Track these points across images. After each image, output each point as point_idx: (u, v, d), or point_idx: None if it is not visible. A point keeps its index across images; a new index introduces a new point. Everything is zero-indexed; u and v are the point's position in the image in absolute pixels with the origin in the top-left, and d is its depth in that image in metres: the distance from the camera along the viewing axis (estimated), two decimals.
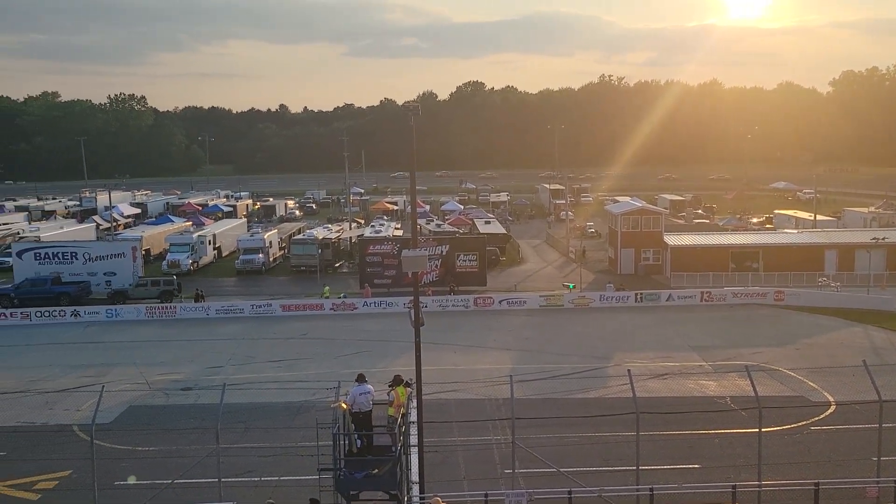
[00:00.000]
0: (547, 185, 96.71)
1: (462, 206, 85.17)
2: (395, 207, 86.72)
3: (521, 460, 16.87)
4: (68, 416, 24.15)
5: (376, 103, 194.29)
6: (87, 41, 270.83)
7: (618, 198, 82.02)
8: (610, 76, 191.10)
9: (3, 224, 63.31)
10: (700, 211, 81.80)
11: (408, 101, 18.81)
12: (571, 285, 44.66)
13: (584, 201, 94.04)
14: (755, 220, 72.79)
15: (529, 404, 22.10)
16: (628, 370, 17.47)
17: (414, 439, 16.42)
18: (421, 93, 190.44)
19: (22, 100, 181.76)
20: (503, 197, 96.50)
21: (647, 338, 34.60)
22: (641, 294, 41.91)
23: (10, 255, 48.95)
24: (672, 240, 50.24)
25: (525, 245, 63.73)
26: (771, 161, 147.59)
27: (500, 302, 41.41)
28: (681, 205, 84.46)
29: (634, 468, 16.15)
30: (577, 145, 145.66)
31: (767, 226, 67.92)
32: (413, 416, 16.93)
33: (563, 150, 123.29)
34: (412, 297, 17.41)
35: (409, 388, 16.85)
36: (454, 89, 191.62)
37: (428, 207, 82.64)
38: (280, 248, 56.75)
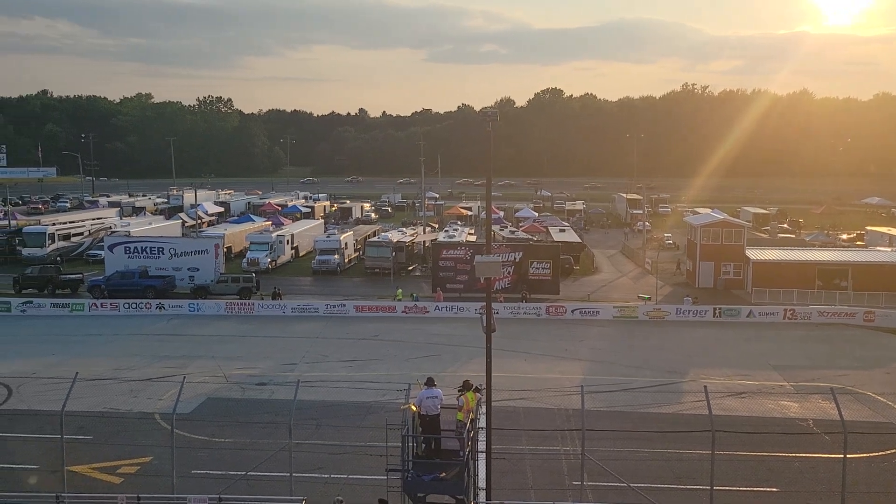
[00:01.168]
0: (624, 195, 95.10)
1: (536, 214, 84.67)
2: (469, 213, 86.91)
3: (589, 473, 16.61)
4: (151, 405, 25.14)
5: (453, 109, 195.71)
6: (181, 45, 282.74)
7: (698, 209, 79.94)
8: (693, 85, 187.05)
9: (97, 219, 66.49)
10: (785, 225, 78.87)
11: (485, 107, 18.81)
12: (647, 297, 43.75)
13: (662, 212, 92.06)
14: (845, 236, 69.65)
15: (600, 416, 21.73)
16: (704, 386, 16.94)
17: (482, 445, 16.39)
18: (499, 99, 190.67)
19: (118, 101, 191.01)
20: (579, 205, 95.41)
21: (724, 354, 33.55)
22: (720, 309, 40.67)
23: (102, 248, 51.34)
24: (754, 254, 48.58)
25: (600, 255, 62.81)
26: (864, 175, 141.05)
27: (572, 311, 40.93)
28: (765, 218, 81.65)
29: (708, 488, 15.66)
30: (656, 155, 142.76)
31: (858, 243, 64.87)
32: (482, 422, 16.90)
33: (642, 159, 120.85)
34: (484, 303, 17.40)
35: (478, 394, 16.85)
36: (532, 96, 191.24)
37: (502, 214, 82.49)
38: (355, 250, 57.70)
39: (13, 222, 64.04)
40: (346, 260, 55.43)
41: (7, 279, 46.85)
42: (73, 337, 35.97)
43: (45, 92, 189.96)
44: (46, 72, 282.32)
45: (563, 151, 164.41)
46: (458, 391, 16.36)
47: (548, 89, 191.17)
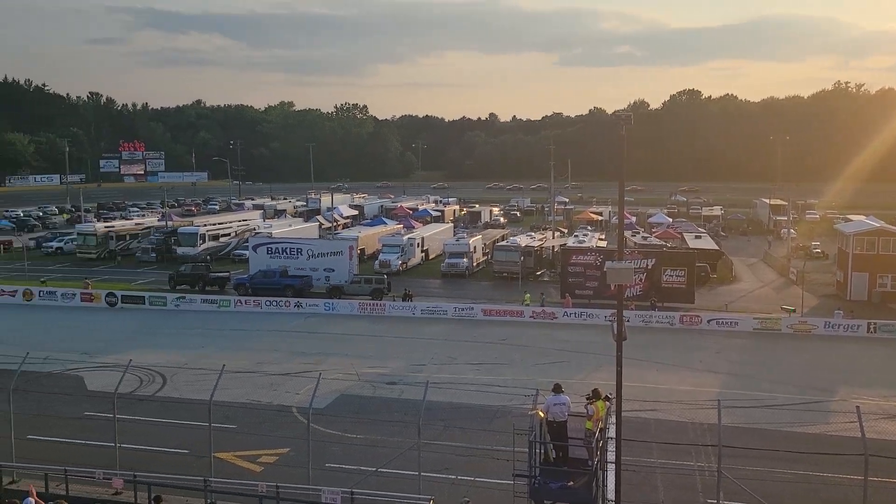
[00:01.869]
0: (766, 200, 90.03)
1: (671, 219, 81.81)
2: (600, 218, 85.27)
3: (726, 492, 15.84)
4: (289, 398, 26.39)
5: (585, 112, 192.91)
6: (321, 55, 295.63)
7: (850, 216, 74.36)
8: (847, 83, 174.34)
9: (243, 220, 70.67)
10: None
11: (618, 110, 18.39)
12: (792, 309, 41.19)
13: (809, 218, 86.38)
14: None
15: (737, 433, 20.68)
16: (857, 406, 15.72)
17: (611, 455, 16.00)
18: (632, 101, 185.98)
19: (263, 109, 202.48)
20: (716, 211, 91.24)
21: (880, 373, 30.99)
22: (875, 324, 37.63)
23: (247, 248, 54.49)
24: None
25: (739, 263, 59.77)
26: None
27: (708, 321, 39.20)
28: None
29: None
30: (803, 157, 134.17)
31: None
32: (611, 432, 16.51)
33: (788, 162, 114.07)
34: (615, 310, 17.00)
35: (608, 403, 16.47)
36: (667, 98, 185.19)
37: (634, 219, 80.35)
38: (483, 254, 58.04)
39: (170, 223, 69.24)
40: (475, 263, 55.86)
41: (164, 276, 50.71)
42: (220, 331, 38.39)
43: (199, 102, 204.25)
44: (200, 83, 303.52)
45: (699, 155, 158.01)
46: (587, 399, 16.08)
47: (684, 90, 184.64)
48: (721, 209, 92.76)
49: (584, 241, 55.72)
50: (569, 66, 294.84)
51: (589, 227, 73.13)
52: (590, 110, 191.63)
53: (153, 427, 23.30)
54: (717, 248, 58.91)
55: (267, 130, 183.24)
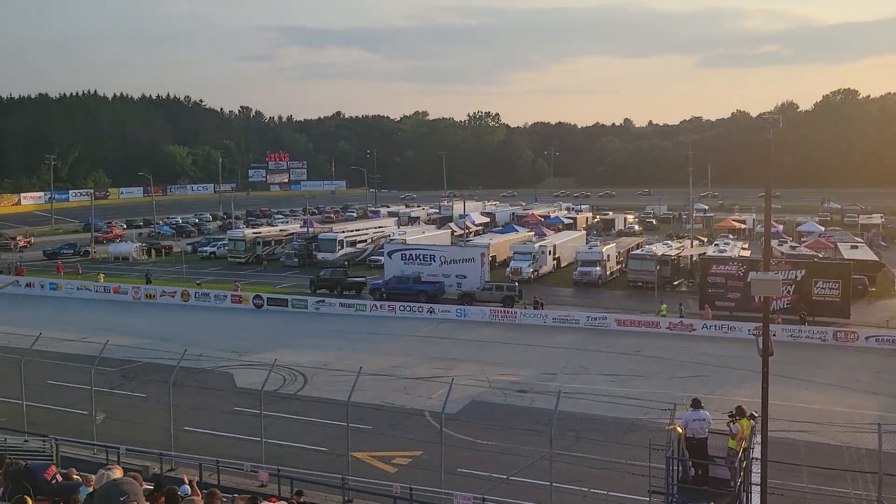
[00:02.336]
0: None
1: (822, 228, 76.51)
2: (743, 226, 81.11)
3: None
4: (421, 402, 26.87)
5: (727, 115, 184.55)
6: (455, 65, 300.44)
7: None
8: None
9: (378, 227, 72.90)
10: None
11: (764, 113, 17.43)
12: None
13: None
14: None
15: None
16: None
17: (756, 477, 15.13)
18: (779, 103, 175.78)
19: (399, 118, 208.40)
20: (876, 219, 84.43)
21: None
22: None
23: (382, 254, 56.14)
24: None
25: None
26: None
27: (866, 338, 36.30)
28: None
29: None
30: None
31: None
32: (756, 453, 15.61)
33: None
34: (760, 324, 16.09)
35: (753, 422, 15.61)
36: (819, 98, 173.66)
37: (781, 227, 75.82)
38: (617, 262, 56.69)
39: (311, 229, 72.52)
40: (608, 272, 54.67)
41: (305, 279, 53.18)
42: (356, 334, 39.73)
43: (338, 113, 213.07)
44: (340, 95, 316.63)
45: (855, 158, 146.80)
46: (730, 417, 15.30)
47: (839, 90, 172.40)
48: (882, 217, 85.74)
49: (726, 251, 53.14)
50: (710, 67, 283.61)
51: (730, 236, 69.75)
52: (732, 113, 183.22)
53: (295, 424, 24.46)
54: (876, 259, 54.46)
55: (402, 139, 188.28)
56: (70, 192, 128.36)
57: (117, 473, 6.46)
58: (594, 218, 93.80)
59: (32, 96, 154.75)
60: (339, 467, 18.95)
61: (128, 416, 24.46)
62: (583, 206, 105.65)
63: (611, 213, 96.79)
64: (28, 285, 52.71)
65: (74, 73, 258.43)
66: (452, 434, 21.75)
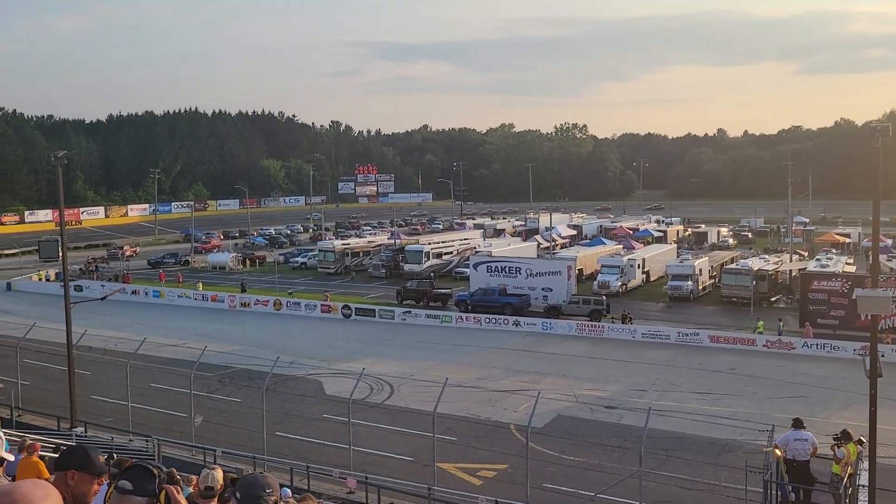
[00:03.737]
0: None
1: None
2: (847, 240, 77.09)
3: None
4: (507, 415, 26.74)
5: (829, 124, 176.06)
6: (541, 76, 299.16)
7: None
8: None
9: (464, 239, 73.20)
10: None
11: (871, 121, 16.56)
12: None
13: None
14: None
15: None
16: None
17: None
18: (888, 111, 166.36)
19: (484, 131, 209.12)
20: None
21: None
22: None
23: (468, 266, 56.31)
24: None
25: None
26: None
27: None
28: None
29: None
30: None
31: None
32: (863, 479, 14.77)
33: None
34: (867, 343, 15.24)
35: (860, 447, 14.78)
36: None
37: (891, 242, 71.65)
38: (710, 277, 54.91)
39: (398, 241, 73.53)
40: (700, 287, 52.99)
41: (392, 290, 53.95)
42: (442, 345, 39.95)
43: (425, 126, 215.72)
44: (427, 108, 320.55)
45: None
46: (835, 440, 14.52)
47: None
48: None
49: (828, 266, 50.63)
50: (810, 73, 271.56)
51: (833, 251, 66.41)
52: (835, 122, 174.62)
53: (382, 433, 24.78)
54: None
55: (487, 152, 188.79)
56: (172, 204, 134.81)
57: (218, 474, 6.72)
58: (685, 231, 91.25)
59: (140, 114, 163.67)
60: (424, 477, 19.07)
61: (223, 420, 25.42)
62: (673, 219, 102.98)
63: (703, 225, 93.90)
64: (134, 292, 55.61)
65: (178, 91, 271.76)
66: (538, 448, 21.53)
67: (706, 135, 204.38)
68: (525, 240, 77.76)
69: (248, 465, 19.84)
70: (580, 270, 56.58)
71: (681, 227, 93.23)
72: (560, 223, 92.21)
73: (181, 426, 23.81)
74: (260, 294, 53.67)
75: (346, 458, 20.35)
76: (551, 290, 48.95)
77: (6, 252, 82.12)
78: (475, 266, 52.79)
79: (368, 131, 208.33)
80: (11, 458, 5.23)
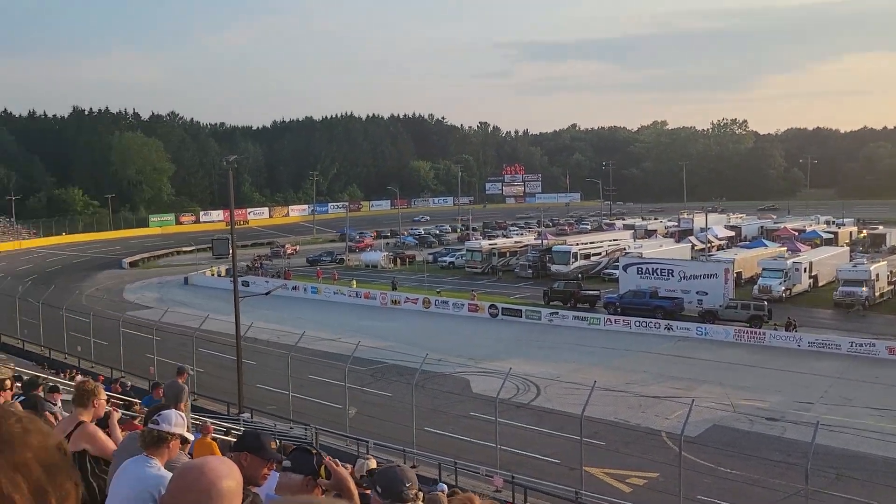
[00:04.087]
0: None
1: None
2: None
3: None
4: (658, 422, 25.84)
5: None
6: (697, 71, 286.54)
7: None
8: None
9: (613, 240, 71.50)
10: None
11: None
12: None
13: None
14: None
15: None
16: None
17: None
18: None
19: (636, 129, 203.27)
20: None
21: None
22: None
23: (617, 267, 54.95)
24: None
25: None
26: None
27: None
28: None
29: None
30: None
31: None
32: None
33: None
34: None
35: None
36: None
37: None
38: (889, 283, 50.24)
39: (545, 241, 73.06)
40: (877, 293, 48.58)
41: (539, 291, 53.68)
42: (589, 348, 39.24)
43: (573, 126, 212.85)
44: (576, 107, 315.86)
45: None
46: None
47: None
48: None
49: None
50: None
51: None
52: None
53: (528, 433, 24.71)
54: None
55: (638, 150, 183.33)
56: (329, 204, 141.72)
57: (372, 464, 6.97)
58: (860, 233, 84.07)
59: (300, 120, 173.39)
60: (571, 481, 18.82)
61: (375, 413, 26.36)
62: (846, 220, 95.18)
63: (881, 227, 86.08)
64: (294, 288, 58.96)
65: (335, 97, 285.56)
66: (691, 458, 20.63)
67: (885, 128, 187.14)
68: (678, 241, 74.89)
69: (398, 457, 20.43)
70: (738, 273, 53.59)
71: (854, 229, 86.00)
72: (716, 224, 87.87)
73: (336, 417, 24.95)
74: (410, 292, 55.18)
75: (492, 457, 20.47)
76: (706, 293, 46.74)
77: (185, 249, 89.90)
78: (625, 267, 51.45)
79: (516, 131, 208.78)
80: (192, 437, 5.69)
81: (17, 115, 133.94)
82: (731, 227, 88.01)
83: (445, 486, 11.80)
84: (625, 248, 64.32)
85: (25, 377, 12.24)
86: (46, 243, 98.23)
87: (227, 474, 1.96)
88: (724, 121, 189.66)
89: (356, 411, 24.50)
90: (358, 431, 22.91)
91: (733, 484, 20.08)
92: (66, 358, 34.61)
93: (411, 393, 22.77)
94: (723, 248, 72.75)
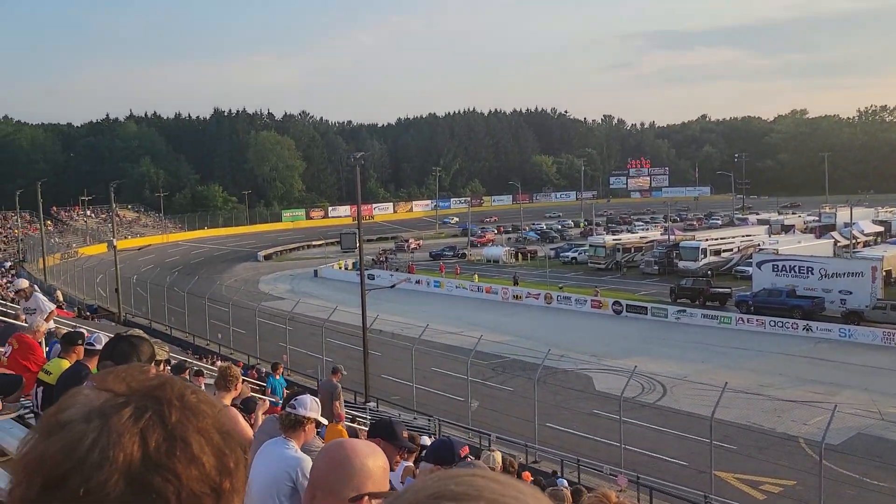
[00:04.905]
0: None
1: None
2: None
3: None
4: (795, 428, 24.40)
5: None
6: (841, 56, 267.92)
7: None
8: None
9: (746, 235, 68.04)
10: None
11: None
12: None
13: None
14: None
15: None
16: None
17: None
18: None
19: (771, 119, 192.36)
20: None
21: None
22: None
23: (750, 264, 52.31)
24: None
25: None
26: None
27: None
28: None
29: None
30: None
31: None
32: None
33: None
34: None
35: None
36: None
37: None
38: None
39: (672, 237, 70.66)
40: None
41: (665, 288, 51.99)
42: (718, 347, 37.60)
43: (703, 117, 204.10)
44: (706, 97, 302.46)
45: None
46: None
47: None
48: None
49: None
50: None
51: None
52: None
53: (653, 434, 24.00)
54: None
55: (774, 141, 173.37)
56: (451, 199, 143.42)
57: (497, 457, 7.00)
58: None
59: (423, 116, 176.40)
60: (699, 484, 18.15)
61: (497, 407, 26.44)
62: None
63: None
64: (417, 282, 60.14)
65: (457, 93, 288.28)
66: (833, 467, 19.37)
67: None
68: (819, 237, 70.32)
69: (520, 451, 20.42)
70: (888, 272, 49.65)
71: None
72: (862, 219, 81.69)
73: (458, 409, 25.24)
74: (531, 287, 54.93)
75: (616, 456, 20.05)
76: (851, 293, 43.60)
77: (315, 243, 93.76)
78: (759, 264, 48.90)
79: (641, 124, 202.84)
80: (325, 422, 5.94)
81: (164, 117, 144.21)
82: (880, 223, 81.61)
83: (566, 482, 11.69)
84: (759, 244, 61.13)
85: (174, 361, 13.20)
86: (190, 237, 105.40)
87: (375, 454, 2.03)
88: (873, 108, 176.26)
89: (478, 404, 24.68)
90: (480, 424, 23.06)
91: (882, 497, 18.70)
92: (207, 344, 36.98)
93: (533, 388, 22.67)
94: (870, 245, 67.64)
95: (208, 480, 0.92)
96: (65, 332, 9.10)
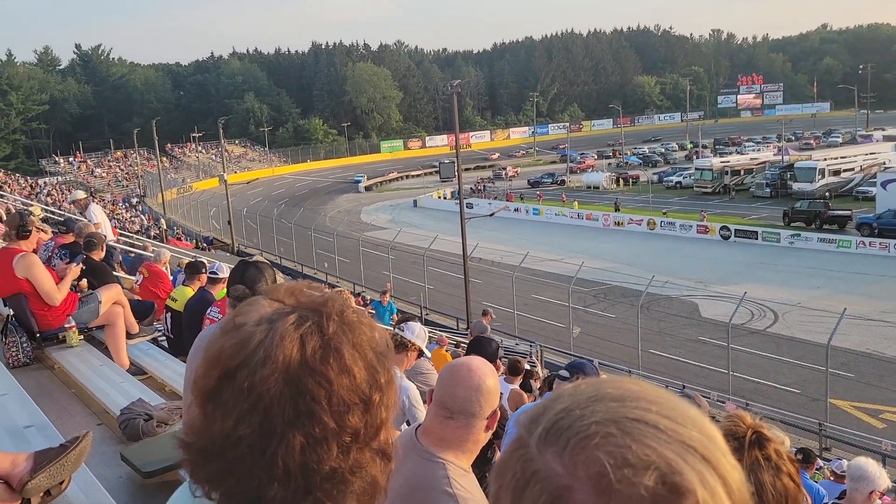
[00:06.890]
0: None
1: None
2: None
3: None
4: None
5: None
6: None
7: None
8: None
9: (870, 154, 63.52)
10: None
11: None
12: None
13: None
14: None
15: None
16: None
17: None
18: None
19: None
20: None
21: None
22: None
23: (874, 184, 49.03)
24: None
25: None
26: None
27: None
28: None
29: None
30: None
31: None
32: None
33: None
34: None
35: None
36: None
37: None
38: None
39: (786, 157, 66.94)
40: None
41: (777, 211, 49.58)
42: (836, 273, 35.74)
43: (824, 26, 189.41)
44: (827, 5, 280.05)
45: None
46: None
47: None
48: None
49: None
50: None
51: None
52: None
53: (763, 361, 23.33)
54: None
55: None
56: (549, 125, 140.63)
57: None
58: None
59: (519, 40, 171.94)
60: (813, 412, 17.62)
61: (599, 333, 26.35)
62: None
63: None
64: (515, 210, 59.84)
65: (555, 14, 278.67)
66: None
67: None
68: None
69: (623, 376, 20.36)
70: None
71: None
72: None
73: (560, 335, 25.32)
74: (633, 213, 53.64)
75: (723, 382, 19.68)
76: None
77: (413, 173, 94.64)
78: (884, 184, 45.73)
79: (754, 37, 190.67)
80: (428, 353, 6.09)
81: (265, 53, 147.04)
82: None
83: None
84: (884, 163, 57.05)
85: None
86: (294, 170, 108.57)
87: (492, 374, 2.06)
88: None
89: (580, 331, 24.66)
90: (582, 350, 23.07)
91: None
92: (315, 273, 38.40)
93: (636, 315, 22.40)
94: None
95: (358, 391, 1.02)
96: (187, 261, 9.65)
